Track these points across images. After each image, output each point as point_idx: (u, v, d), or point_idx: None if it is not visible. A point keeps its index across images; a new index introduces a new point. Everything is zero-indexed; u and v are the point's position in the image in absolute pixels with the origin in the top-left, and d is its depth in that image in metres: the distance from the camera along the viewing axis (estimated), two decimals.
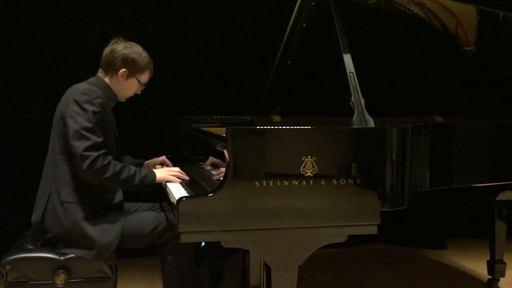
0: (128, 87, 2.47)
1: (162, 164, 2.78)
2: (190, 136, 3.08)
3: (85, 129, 2.20)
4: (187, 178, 2.45)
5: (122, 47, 2.42)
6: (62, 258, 2.23)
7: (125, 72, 2.42)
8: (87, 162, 2.17)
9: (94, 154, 2.18)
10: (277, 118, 3.32)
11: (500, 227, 3.07)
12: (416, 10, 2.83)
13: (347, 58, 2.35)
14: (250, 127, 3.10)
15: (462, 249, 4.28)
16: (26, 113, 3.63)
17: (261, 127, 2.05)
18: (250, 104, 3.43)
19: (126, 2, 3.79)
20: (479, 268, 3.74)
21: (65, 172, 2.29)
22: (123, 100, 2.54)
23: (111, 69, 2.43)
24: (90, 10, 3.70)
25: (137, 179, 2.28)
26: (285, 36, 2.82)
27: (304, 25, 2.72)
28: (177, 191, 2.28)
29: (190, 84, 3.93)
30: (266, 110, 3.29)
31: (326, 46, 2.60)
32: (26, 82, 3.63)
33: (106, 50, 2.45)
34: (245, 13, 4.03)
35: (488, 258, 3.16)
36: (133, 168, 2.31)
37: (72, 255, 2.25)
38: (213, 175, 2.47)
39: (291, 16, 2.70)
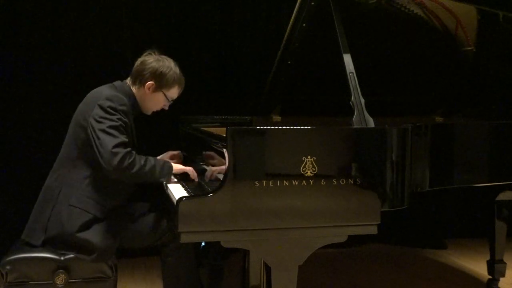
0: (154, 100, 2.46)
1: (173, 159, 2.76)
2: (190, 136, 3.08)
3: (112, 127, 2.20)
4: (196, 179, 2.44)
5: (153, 60, 2.42)
6: (62, 258, 2.23)
7: (152, 85, 2.41)
8: (117, 158, 2.15)
9: (123, 151, 2.17)
10: (277, 118, 3.32)
11: (500, 227, 3.07)
12: (416, 10, 2.83)
13: (347, 58, 2.35)
14: (250, 127, 3.10)
15: (462, 249, 4.27)
16: (26, 113, 3.62)
17: (261, 127, 2.05)
18: (250, 104, 3.43)
19: (126, 2, 3.79)
20: (479, 268, 3.74)
21: (79, 177, 2.29)
22: (149, 113, 2.53)
23: (139, 80, 2.42)
24: (90, 10, 3.70)
25: (158, 169, 2.29)
26: (285, 36, 2.82)
27: (304, 25, 2.72)
28: (177, 191, 2.28)
29: (190, 84, 3.91)
30: (266, 110, 3.29)
31: (326, 46, 2.60)
32: (26, 83, 3.63)
33: (138, 61, 2.45)
34: (245, 13, 4.03)
35: (488, 258, 3.16)
36: (152, 159, 2.31)
37: (72, 255, 2.24)
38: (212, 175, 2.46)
39: (291, 16, 2.70)
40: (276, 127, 2.12)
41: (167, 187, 2.37)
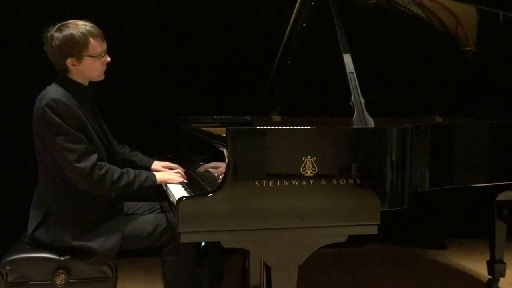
0: (88, 68, 2.24)
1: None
2: (190, 136, 3.08)
3: (67, 140, 2.11)
4: (186, 180, 2.44)
5: (52, 40, 2.18)
6: (62, 258, 2.23)
7: (72, 59, 2.20)
8: (83, 174, 2.11)
9: (87, 164, 2.11)
10: (277, 118, 3.32)
11: (500, 227, 3.07)
12: (416, 10, 2.83)
13: (347, 58, 2.35)
14: (250, 127, 3.10)
15: (462, 249, 4.27)
16: (26, 113, 3.61)
17: (261, 127, 2.05)
18: (250, 104, 3.43)
19: (126, 2, 3.79)
20: (479, 268, 3.74)
21: (59, 184, 2.22)
22: (101, 78, 2.32)
23: (60, 65, 2.23)
24: (90, 10, 3.69)
25: (136, 184, 2.24)
26: (285, 36, 2.82)
27: (304, 25, 2.72)
28: (177, 191, 2.28)
29: (190, 84, 3.93)
30: (266, 110, 3.29)
31: (326, 46, 2.60)
32: (25, 83, 3.62)
33: (46, 51, 2.24)
34: (245, 13, 4.03)
35: (488, 258, 3.16)
36: (132, 173, 2.26)
37: (72, 255, 2.24)
38: (214, 175, 2.46)
39: (291, 16, 2.70)
40: (276, 127, 2.12)
41: (166, 187, 2.37)
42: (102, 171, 2.16)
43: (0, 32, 3.58)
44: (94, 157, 2.17)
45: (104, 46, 2.29)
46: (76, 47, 2.19)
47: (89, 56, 2.22)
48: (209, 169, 2.60)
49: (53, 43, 2.19)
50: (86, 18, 2.31)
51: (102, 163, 2.19)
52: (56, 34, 2.19)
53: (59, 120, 2.12)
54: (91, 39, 2.21)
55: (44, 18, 3.60)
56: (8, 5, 3.58)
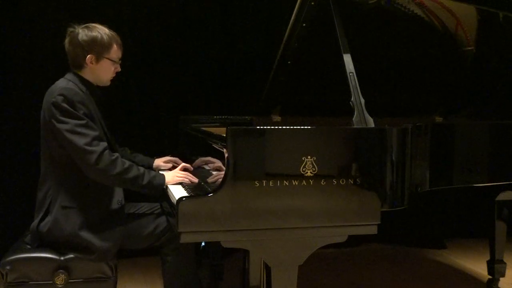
0: (103, 70, 2.34)
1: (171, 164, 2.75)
2: (190, 136, 3.08)
3: (78, 125, 2.15)
4: (196, 181, 2.43)
5: (78, 35, 2.29)
6: (62, 258, 2.23)
7: (92, 57, 2.30)
8: (94, 156, 2.12)
9: (98, 148, 2.14)
10: (277, 118, 3.32)
11: (500, 227, 3.07)
12: (416, 10, 2.83)
13: (347, 58, 2.35)
14: (250, 127, 3.10)
15: (462, 249, 4.28)
16: (27, 113, 3.62)
17: (261, 127, 2.05)
18: (250, 104, 3.43)
19: (126, 2, 3.79)
20: (479, 268, 3.74)
21: (65, 177, 2.25)
22: (107, 83, 2.42)
23: (78, 61, 2.32)
24: (90, 10, 3.69)
25: (146, 179, 2.24)
26: (285, 36, 2.82)
27: (304, 25, 2.72)
28: (177, 191, 2.28)
29: (190, 84, 3.94)
30: (266, 110, 3.29)
31: (326, 46, 2.60)
32: (25, 82, 3.63)
33: (66, 44, 2.33)
34: (245, 12, 4.03)
35: (488, 258, 3.16)
36: (142, 168, 2.27)
37: (72, 255, 2.24)
38: (209, 171, 2.46)
39: (291, 16, 2.71)
40: (276, 127, 2.12)
41: (167, 187, 2.37)
42: (113, 157, 2.18)
43: (0, 32, 3.58)
44: (104, 143, 2.20)
45: (120, 55, 2.40)
46: (100, 46, 2.30)
47: (108, 59, 2.33)
48: (204, 166, 2.60)
49: (79, 37, 2.29)
50: (87, 18, 2.36)
51: (114, 152, 2.21)
52: (85, 31, 2.30)
53: (71, 108, 2.17)
54: (114, 44, 2.34)
55: (43, 17, 3.64)
56: (8, 5, 3.57)
